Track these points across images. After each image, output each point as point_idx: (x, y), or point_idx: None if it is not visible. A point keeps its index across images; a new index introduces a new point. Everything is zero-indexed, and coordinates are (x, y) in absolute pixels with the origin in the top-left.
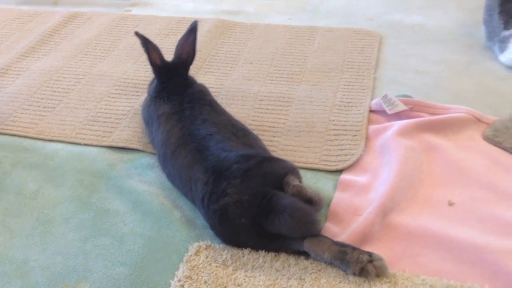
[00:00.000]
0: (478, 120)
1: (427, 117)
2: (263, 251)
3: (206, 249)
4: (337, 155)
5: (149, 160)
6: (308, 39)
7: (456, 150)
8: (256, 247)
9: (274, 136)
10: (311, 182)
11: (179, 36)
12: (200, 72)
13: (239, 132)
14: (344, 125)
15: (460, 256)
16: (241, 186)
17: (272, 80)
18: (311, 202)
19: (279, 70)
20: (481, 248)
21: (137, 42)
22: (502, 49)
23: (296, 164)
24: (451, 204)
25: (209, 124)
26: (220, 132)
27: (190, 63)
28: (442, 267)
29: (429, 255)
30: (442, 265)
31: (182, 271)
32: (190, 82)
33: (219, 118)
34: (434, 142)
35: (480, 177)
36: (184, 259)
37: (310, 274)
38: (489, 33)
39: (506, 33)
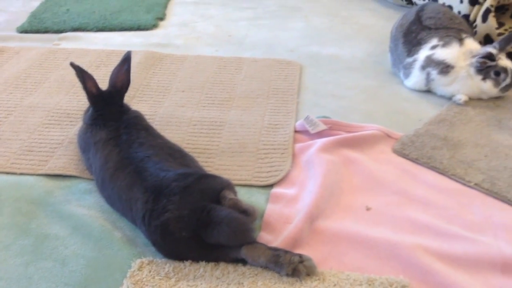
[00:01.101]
0: (388, 136)
1: (345, 135)
2: (204, 261)
3: (148, 264)
4: (268, 172)
5: (87, 186)
6: (236, 69)
7: (371, 162)
8: (197, 259)
9: (209, 157)
10: (245, 197)
11: (111, 67)
12: (133, 101)
13: (176, 154)
14: (272, 145)
15: (378, 253)
16: (180, 202)
17: (204, 106)
18: (246, 213)
19: (210, 97)
20: (395, 244)
21: (68, 73)
22: (407, 75)
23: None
24: (368, 209)
25: (147, 147)
26: (157, 154)
27: (125, 91)
28: (363, 264)
29: (351, 254)
30: (363, 261)
31: (126, 286)
32: (125, 109)
33: (155, 141)
34: (352, 156)
35: (391, 185)
36: (128, 275)
37: (248, 278)
38: (394, 61)
39: (409, 59)
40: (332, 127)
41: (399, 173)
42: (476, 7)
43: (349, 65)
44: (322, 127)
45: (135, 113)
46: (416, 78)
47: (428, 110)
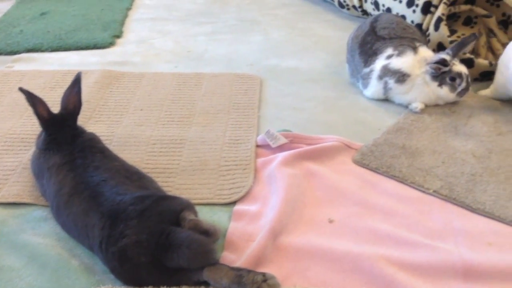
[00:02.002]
0: (348, 147)
1: (305, 148)
2: (165, 286)
3: None
4: (230, 188)
5: (42, 213)
6: (196, 85)
7: (332, 174)
8: (157, 284)
9: (169, 177)
10: (207, 216)
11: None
12: (90, 121)
13: (133, 176)
14: (234, 161)
15: (341, 266)
16: (138, 226)
17: (163, 124)
18: (208, 233)
19: (170, 115)
20: (358, 256)
21: (22, 97)
22: (365, 85)
23: (193, 201)
24: (331, 221)
25: (102, 171)
26: (113, 177)
27: (77, 113)
28: (327, 278)
29: (315, 268)
30: (327, 275)
31: None
32: (79, 132)
33: (111, 164)
34: (313, 168)
35: (353, 195)
36: None
37: None
38: (352, 71)
39: (366, 70)
40: (293, 140)
41: (360, 183)
42: (428, 16)
43: (308, 77)
44: (283, 140)
45: (90, 136)
46: (374, 87)
47: (386, 119)
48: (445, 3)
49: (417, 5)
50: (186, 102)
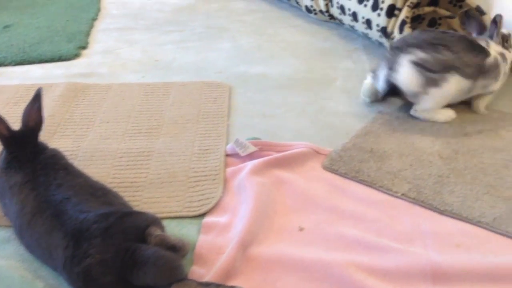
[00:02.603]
0: (317, 153)
1: (275, 155)
2: None
3: None
4: (199, 200)
5: (5, 234)
6: (164, 94)
7: (302, 181)
8: None
9: (137, 191)
10: (176, 230)
11: None
12: (55, 136)
13: (97, 192)
14: (203, 171)
15: (312, 275)
16: (102, 245)
17: (130, 136)
18: (175, 249)
19: (137, 126)
20: (328, 264)
21: None
22: None
23: (161, 215)
24: (301, 229)
25: (65, 188)
26: (77, 194)
27: (39, 129)
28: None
29: (286, 279)
30: (298, 285)
31: None
32: (41, 149)
33: (75, 181)
34: (283, 176)
35: (323, 202)
36: None
37: None
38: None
39: None
40: (262, 148)
41: (329, 189)
42: (393, 19)
43: (277, 83)
44: (252, 149)
45: (53, 152)
46: None
47: (355, 123)
48: (408, 6)
49: (381, 9)
50: (154, 113)
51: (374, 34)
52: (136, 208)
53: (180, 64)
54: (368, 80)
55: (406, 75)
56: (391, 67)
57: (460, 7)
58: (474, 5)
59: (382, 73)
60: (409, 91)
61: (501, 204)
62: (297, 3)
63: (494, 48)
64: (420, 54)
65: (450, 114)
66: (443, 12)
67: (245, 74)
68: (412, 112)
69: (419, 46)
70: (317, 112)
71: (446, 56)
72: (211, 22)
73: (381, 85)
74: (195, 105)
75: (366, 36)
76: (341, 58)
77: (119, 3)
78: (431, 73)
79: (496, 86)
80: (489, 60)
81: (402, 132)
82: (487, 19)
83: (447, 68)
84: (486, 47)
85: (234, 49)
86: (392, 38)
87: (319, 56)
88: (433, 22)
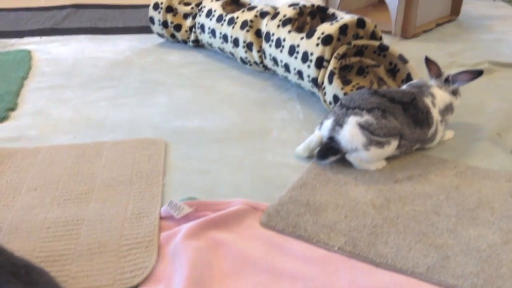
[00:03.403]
0: (254, 209)
1: (211, 215)
2: None
3: None
4: (131, 271)
5: None
6: (95, 156)
7: (239, 241)
8: None
9: (65, 265)
10: None
11: None
12: None
13: (20, 271)
14: (136, 238)
15: None
16: None
17: (59, 204)
18: None
19: (67, 192)
20: None
21: None
22: None
23: None
24: None
25: None
26: None
27: None
28: None
29: None
30: None
31: None
32: None
33: None
34: (219, 237)
35: (261, 262)
36: None
37: None
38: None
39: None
40: (198, 209)
41: (267, 248)
42: (322, 70)
43: (213, 136)
44: (187, 210)
45: None
46: None
47: (291, 174)
48: (335, 57)
49: (311, 61)
50: (84, 176)
51: (306, 84)
52: (64, 285)
53: (113, 121)
54: (316, 134)
55: (351, 133)
56: (338, 123)
57: (384, 56)
58: (397, 54)
59: (327, 125)
60: (351, 147)
61: (433, 253)
62: (232, 54)
63: (443, 98)
64: (368, 118)
65: (381, 162)
66: (368, 61)
67: (181, 128)
68: (347, 155)
69: (368, 109)
70: (254, 165)
71: (392, 123)
72: (147, 76)
73: (324, 135)
74: (129, 165)
75: (299, 86)
76: (277, 108)
77: (51, 59)
78: (376, 137)
79: (433, 145)
80: (431, 130)
81: (336, 182)
82: (410, 66)
83: (392, 135)
84: (434, 97)
85: (170, 103)
86: (323, 89)
87: (255, 107)
88: (362, 70)
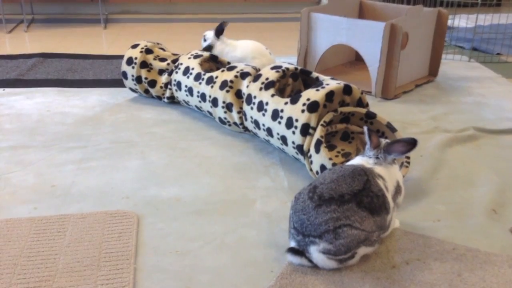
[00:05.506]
0: None
1: None
2: None
3: None
4: None
5: None
6: (58, 231)
7: None
8: None
9: None
10: None
11: None
12: None
13: None
14: None
15: None
16: None
17: None
18: None
19: (24, 279)
20: None
21: None
22: None
23: None
24: None
25: None
26: None
27: None
28: None
29: None
30: None
31: None
32: None
33: None
34: None
35: None
36: None
37: None
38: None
39: None
40: None
41: None
42: (308, 137)
43: (192, 208)
44: None
45: None
46: None
47: (279, 256)
48: (322, 125)
49: (296, 127)
50: (45, 258)
51: (290, 150)
52: None
53: (80, 189)
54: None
55: (319, 260)
56: (303, 249)
57: (371, 123)
58: (385, 122)
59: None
60: (328, 267)
61: None
62: (210, 114)
63: (391, 178)
64: (323, 245)
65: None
66: (354, 128)
67: (155, 198)
68: None
69: (319, 236)
70: (237, 243)
71: (349, 238)
72: (118, 136)
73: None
74: (96, 244)
75: (282, 150)
76: (259, 174)
77: (14, 115)
78: (341, 256)
79: (385, 235)
80: (389, 217)
81: (328, 269)
82: (399, 136)
83: (354, 247)
84: (384, 179)
85: (143, 168)
86: (310, 157)
87: (236, 173)
88: (347, 136)
